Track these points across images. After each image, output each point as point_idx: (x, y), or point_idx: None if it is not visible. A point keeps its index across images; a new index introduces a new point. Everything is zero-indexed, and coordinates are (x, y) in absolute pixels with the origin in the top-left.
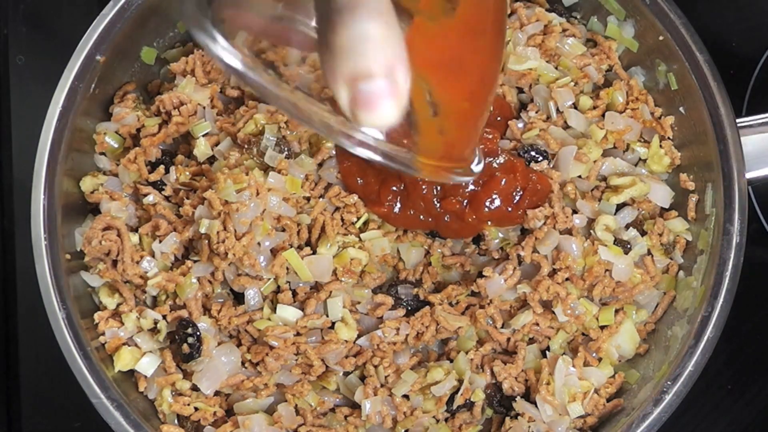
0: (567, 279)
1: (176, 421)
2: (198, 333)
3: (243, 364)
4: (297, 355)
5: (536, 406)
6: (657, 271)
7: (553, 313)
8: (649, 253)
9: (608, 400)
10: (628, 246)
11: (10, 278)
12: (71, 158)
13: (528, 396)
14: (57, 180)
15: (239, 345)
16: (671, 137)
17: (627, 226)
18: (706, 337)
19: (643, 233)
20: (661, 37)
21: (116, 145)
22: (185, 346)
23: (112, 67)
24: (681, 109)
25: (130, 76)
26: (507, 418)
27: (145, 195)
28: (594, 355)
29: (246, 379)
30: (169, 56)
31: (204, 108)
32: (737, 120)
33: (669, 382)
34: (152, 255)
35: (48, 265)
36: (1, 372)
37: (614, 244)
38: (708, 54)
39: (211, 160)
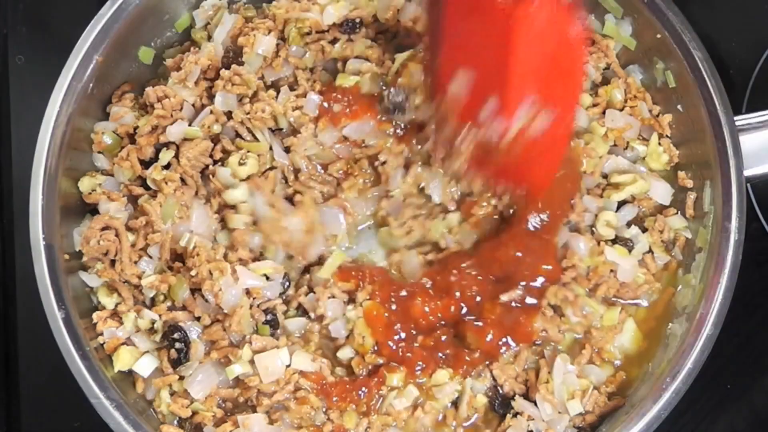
0: (573, 278)
1: (176, 422)
2: (186, 338)
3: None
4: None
5: (535, 405)
6: (657, 269)
7: (563, 315)
8: (649, 250)
9: (609, 398)
10: (631, 243)
11: (10, 278)
12: (70, 158)
13: (528, 395)
14: (56, 180)
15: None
16: (669, 135)
17: (629, 224)
18: (704, 335)
19: (643, 230)
20: (658, 35)
21: (112, 143)
22: (173, 352)
23: (110, 67)
24: (679, 106)
25: (128, 76)
26: (507, 416)
27: (138, 197)
28: (596, 350)
29: (240, 393)
30: (168, 56)
31: (192, 105)
32: (736, 118)
33: (668, 380)
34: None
35: (47, 266)
36: (0, 372)
37: (616, 241)
38: (705, 51)
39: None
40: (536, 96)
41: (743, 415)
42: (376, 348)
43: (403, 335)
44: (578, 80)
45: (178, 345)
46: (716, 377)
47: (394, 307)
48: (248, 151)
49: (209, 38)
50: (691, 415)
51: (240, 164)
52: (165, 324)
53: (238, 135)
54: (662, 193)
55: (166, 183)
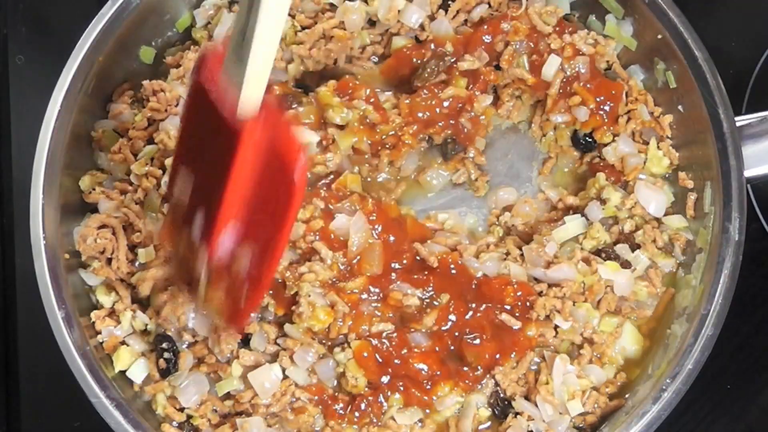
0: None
1: (175, 423)
2: (174, 348)
3: None
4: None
5: (535, 405)
6: (660, 278)
7: (557, 327)
8: (652, 264)
9: (610, 399)
10: (630, 264)
11: (10, 277)
12: (70, 157)
13: (528, 396)
14: (56, 179)
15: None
16: (670, 136)
17: (616, 242)
18: (704, 335)
19: (636, 246)
20: (659, 36)
21: (111, 141)
22: (161, 362)
23: (111, 67)
24: (680, 107)
25: (129, 76)
26: (507, 416)
27: (125, 193)
28: (597, 355)
29: (232, 406)
30: (169, 55)
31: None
32: (736, 118)
33: (668, 380)
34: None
35: (47, 265)
36: (0, 372)
37: (609, 256)
38: (706, 52)
39: None
40: (242, 224)
41: (743, 415)
42: (368, 387)
43: (398, 362)
44: (287, 225)
45: (166, 355)
46: (716, 377)
47: (385, 343)
48: None
49: (210, 37)
50: (691, 415)
51: None
52: (157, 327)
53: None
54: (657, 205)
55: (147, 178)
